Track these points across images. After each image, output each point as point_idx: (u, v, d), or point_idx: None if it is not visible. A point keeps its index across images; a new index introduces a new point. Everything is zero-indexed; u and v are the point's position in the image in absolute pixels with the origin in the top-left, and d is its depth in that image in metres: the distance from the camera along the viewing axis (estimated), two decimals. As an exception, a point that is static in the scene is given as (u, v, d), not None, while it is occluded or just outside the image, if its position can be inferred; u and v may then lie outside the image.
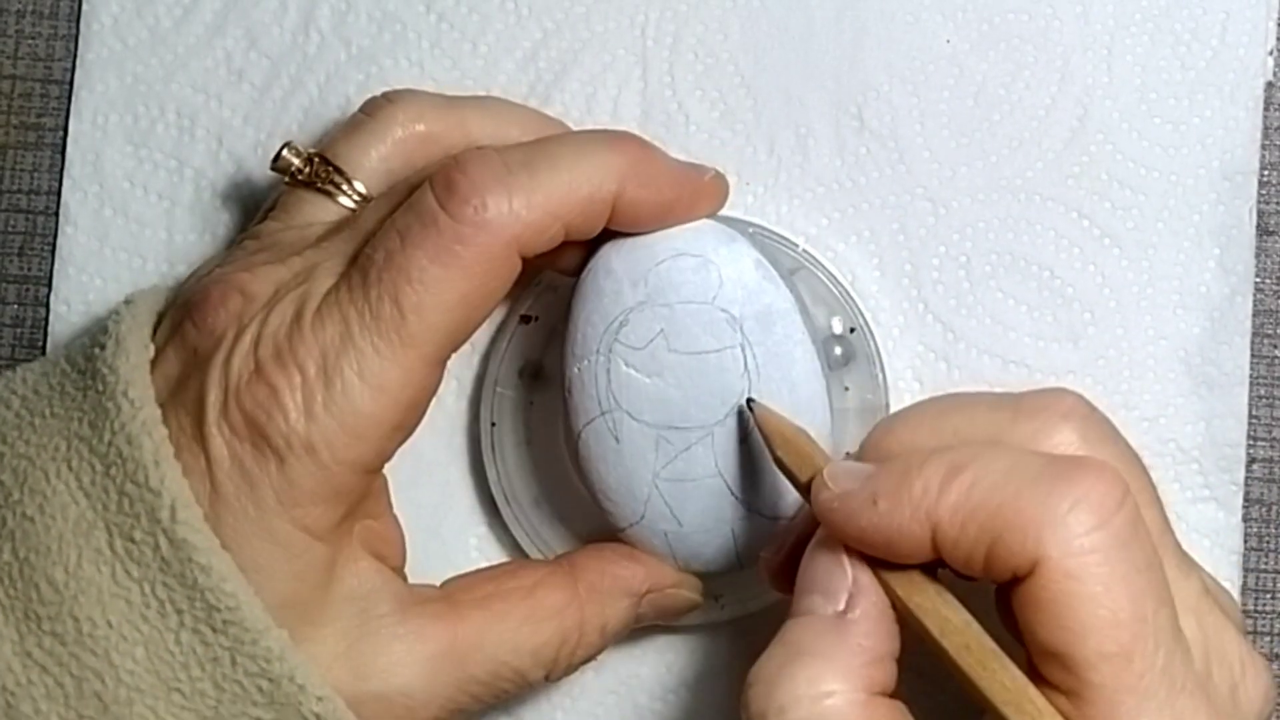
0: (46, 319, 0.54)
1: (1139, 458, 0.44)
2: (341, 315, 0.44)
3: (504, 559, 0.52)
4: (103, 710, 0.43)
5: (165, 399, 0.44)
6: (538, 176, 0.45)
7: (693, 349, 0.47)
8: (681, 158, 0.50)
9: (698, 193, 0.47)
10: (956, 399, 0.44)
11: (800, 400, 0.47)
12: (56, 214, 0.54)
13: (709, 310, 0.47)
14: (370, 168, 0.48)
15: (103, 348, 0.45)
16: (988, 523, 0.39)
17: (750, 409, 0.46)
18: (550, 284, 0.51)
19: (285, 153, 0.49)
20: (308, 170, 0.48)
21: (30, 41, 0.54)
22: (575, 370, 0.47)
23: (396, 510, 0.49)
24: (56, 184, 0.54)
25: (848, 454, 0.46)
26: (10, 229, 0.54)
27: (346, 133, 0.49)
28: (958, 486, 0.40)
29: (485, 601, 0.47)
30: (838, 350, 0.51)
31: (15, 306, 0.54)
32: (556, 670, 0.47)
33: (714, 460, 0.47)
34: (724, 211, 0.49)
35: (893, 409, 0.51)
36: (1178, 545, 0.43)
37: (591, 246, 0.47)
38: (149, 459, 0.43)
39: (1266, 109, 0.52)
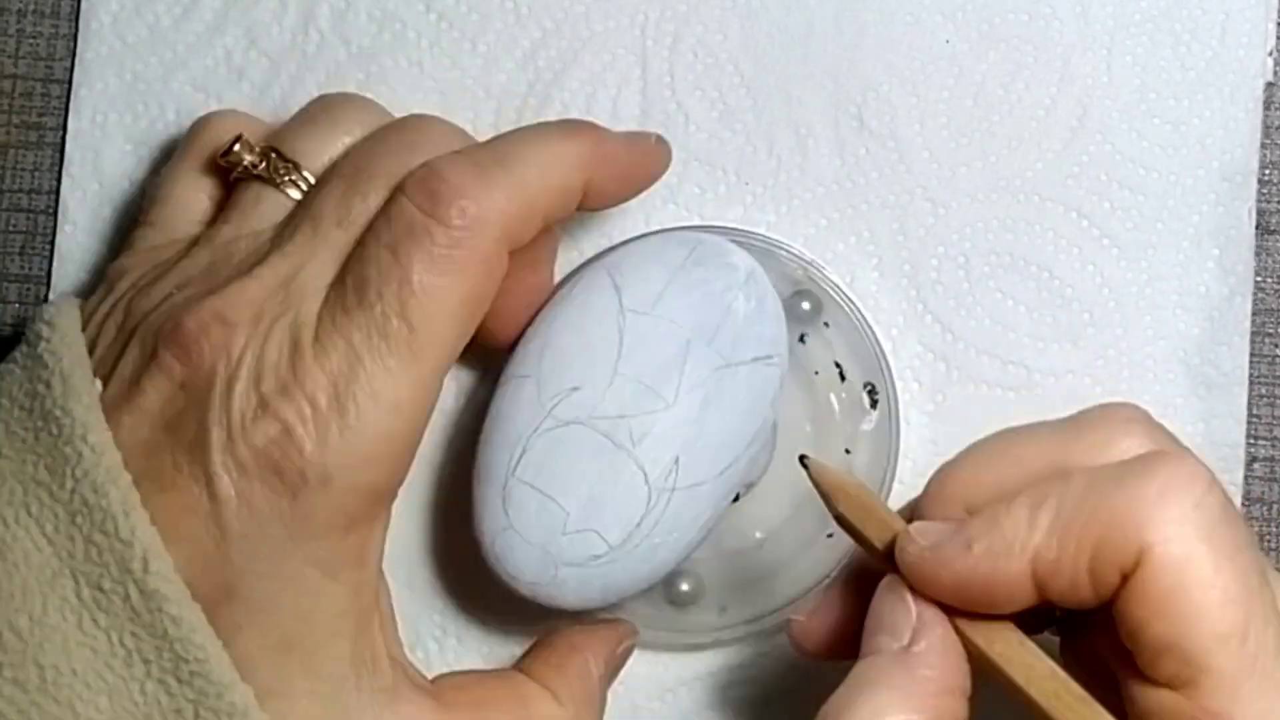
0: (47, 318, 0.54)
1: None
2: (345, 340, 0.43)
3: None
4: None
5: (157, 437, 0.43)
6: (511, 171, 0.45)
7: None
8: (681, 157, 0.50)
9: (649, 159, 0.49)
10: (1012, 430, 0.43)
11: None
12: (57, 213, 0.54)
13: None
14: (324, 166, 0.47)
15: (48, 385, 0.44)
16: (1084, 532, 0.39)
17: (805, 465, 0.43)
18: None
19: (237, 147, 0.47)
20: (263, 165, 0.47)
21: (31, 41, 0.54)
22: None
23: (396, 510, 0.49)
24: (57, 183, 0.54)
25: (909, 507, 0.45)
26: (11, 228, 0.54)
27: (297, 126, 0.49)
28: (1046, 511, 0.39)
29: (477, 706, 0.46)
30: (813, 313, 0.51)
31: (16, 306, 0.54)
32: None
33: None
34: (729, 220, 0.49)
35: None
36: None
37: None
38: (117, 509, 0.42)
39: (1266, 109, 0.52)
